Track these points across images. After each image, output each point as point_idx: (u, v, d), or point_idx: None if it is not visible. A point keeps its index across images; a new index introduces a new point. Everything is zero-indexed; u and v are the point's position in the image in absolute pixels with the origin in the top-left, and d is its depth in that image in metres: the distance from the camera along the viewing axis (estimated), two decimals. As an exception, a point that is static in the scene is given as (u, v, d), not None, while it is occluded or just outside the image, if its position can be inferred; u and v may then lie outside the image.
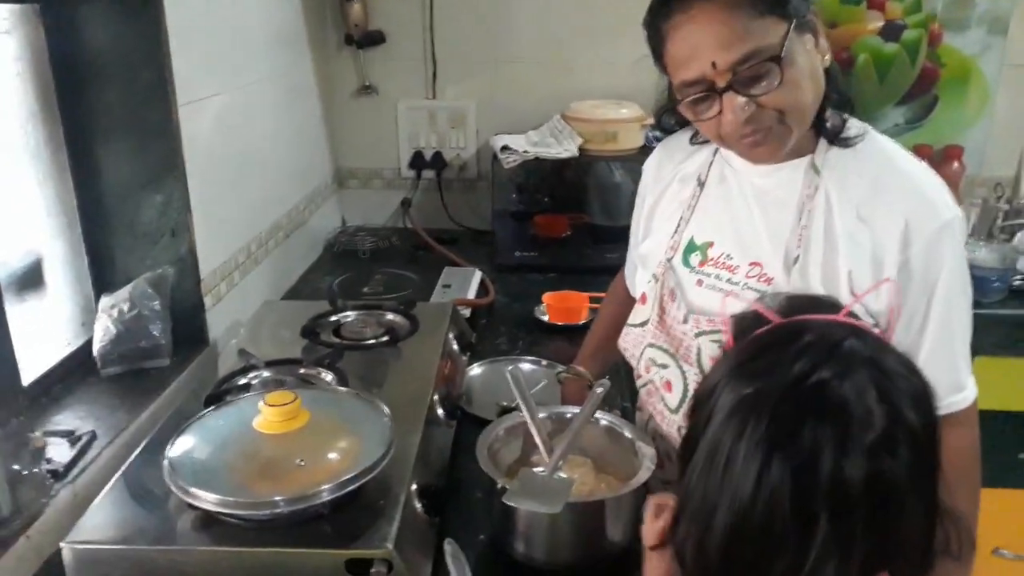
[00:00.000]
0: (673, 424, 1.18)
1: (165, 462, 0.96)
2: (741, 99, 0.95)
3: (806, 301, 0.86)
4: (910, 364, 0.75)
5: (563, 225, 2.24)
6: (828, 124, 1.05)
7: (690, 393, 1.14)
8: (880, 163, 1.04)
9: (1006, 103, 2.35)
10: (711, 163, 1.15)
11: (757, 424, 0.68)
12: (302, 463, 0.95)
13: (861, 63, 2.33)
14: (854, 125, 1.07)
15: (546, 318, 1.82)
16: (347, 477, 0.93)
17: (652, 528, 0.89)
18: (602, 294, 1.83)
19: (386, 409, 1.07)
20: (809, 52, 0.98)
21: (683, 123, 1.10)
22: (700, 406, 0.76)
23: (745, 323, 0.82)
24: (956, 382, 1.05)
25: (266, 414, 0.99)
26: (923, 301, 1.01)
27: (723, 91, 0.95)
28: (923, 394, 0.73)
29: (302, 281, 2.10)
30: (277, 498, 0.91)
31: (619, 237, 2.18)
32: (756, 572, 0.68)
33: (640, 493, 1.09)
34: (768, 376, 0.71)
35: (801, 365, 0.70)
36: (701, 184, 1.15)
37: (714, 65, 0.94)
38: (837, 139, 1.04)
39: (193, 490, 0.92)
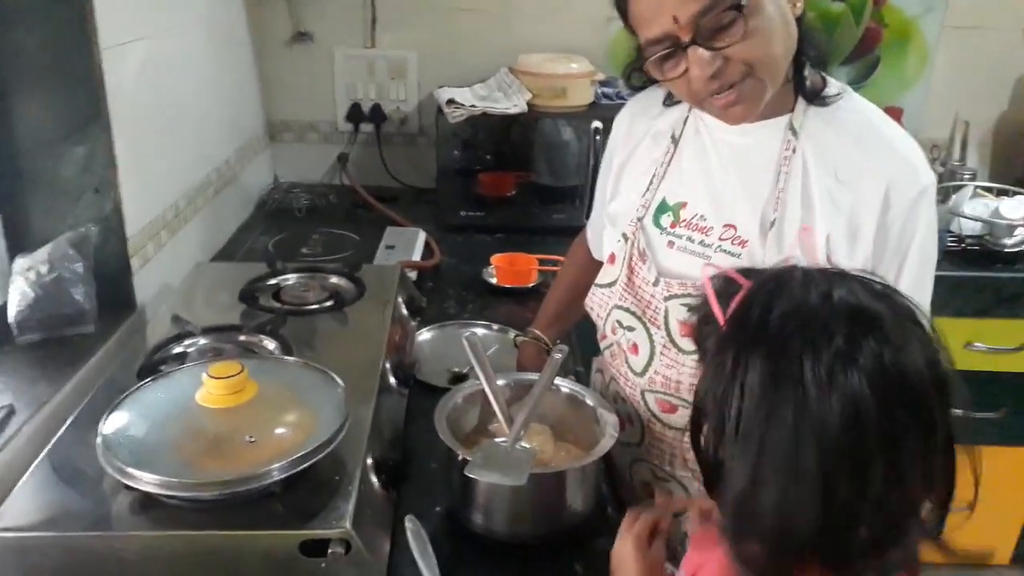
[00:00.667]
0: (636, 387, 1.16)
1: (98, 440, 0.89)
2: (706, 53, 0.91)
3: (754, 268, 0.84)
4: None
5: (509, 184, 2.17)
6: (808, 82, 1.02)
7: (656, 356, 1.12)
8: (861, 125, 1.02)
9: (944, 65, 2.38)
10: (686, 119, 1.11)
11: (814, 355, 0.66)
12: (252, 439, 0.89)
13: (808, 21, 2.32)
14: (834, 84, 1.04)
15: (494, 281, 1.78)
16: (301, 453, 0.87)
17: (631, 533, 0.91)
18: (552, 256, 1.81)
19: (339, 379, 1.01)
20: (778, 1, 0.93)
21: (653, 82, 1.06)
22: (717, 396, 0.72)
23: (722, 285, 0.79)
24: None
25: (210, 387, 0.91)
26: (895, 264, 1.01)
27: (687, 46, 0.92)
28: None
29: (234, 241, 1.99)
30: (226, 477, 0.85)
31: (566, 197, 2.16)
32: (854, 493, 0.66)
33: (602, 462, 1.07)
34: (781, 323, 0.69)
35: (813, 295, 0.70)
36: (675, 141, 1.11)
37: (676, 20, 0.90)
38: (816, 98, 1.01)
39: (131, 470, 0.84)
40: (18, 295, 1.28)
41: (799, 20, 0.98)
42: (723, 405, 0.70)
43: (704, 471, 0.77)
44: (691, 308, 0.83)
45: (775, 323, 0.69)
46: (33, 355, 1.27)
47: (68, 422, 1.02)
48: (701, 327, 0.81)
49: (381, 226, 2.02)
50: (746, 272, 0.78)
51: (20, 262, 1.31)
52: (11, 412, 1.12)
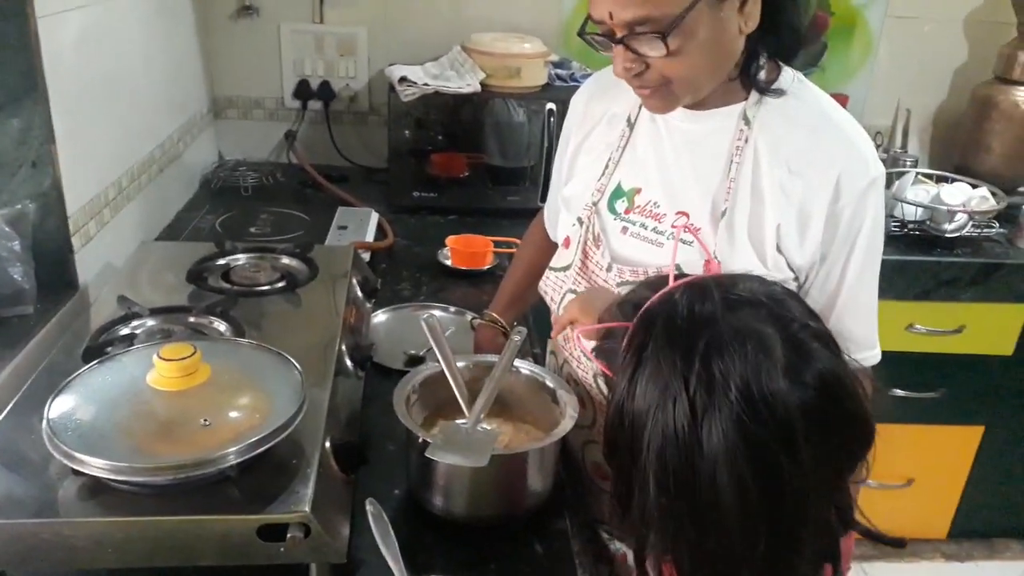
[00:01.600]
0: (588, 370, 1.16)
1: (44, 424, 0.85)
2: (629, 53, 0.94)
3: (655, 280, 0.84)
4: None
5: (461, 165, 2.15)
6: (762, 75, 1.02)
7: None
8: (814, 114, 1.02)
9: (887, 54, 2.43)
10: (641, 103, 1.11)
11: (680, 402, 0.65)
12: (207, 423, 0.86)
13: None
14: (787, 73, 1.05)
15: (449, 263, 1.76)
16: (258, 437, 0.85)
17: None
18: (507, 239, 1.80)
19: (294, 362, 0.98)
20: (723, 20, 0.93)
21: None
22: (614, 435, 0.72)
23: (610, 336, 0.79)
24: (869, 337, 1.08)
25: (161, 369, 0.88)
26: (843, 254, 1.02)
27: (616, 42, 0.95)
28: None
29: (178, 220, 1.93)
30: (180, 462, 0.82)
31: (519, 179, 2.15)
32: (740, 540, 0.65)
33: (559, 442, 1.07)
34: (658, 356, 0.68)
35: (683, 321, 0.69)
36: (631, 125, 1.11)
37: (611, 16, 0.93)
38: (768, 91, 1.02)
39: (80, 455, 0.81)
40: (-50, 274, 1.22)
41: (769, 26, 0.97)
42: (621, 440, 0.71)
43: (612, 487, 0.77)
44: (595, 350, 0.83)
45: (650, 366, 0.69)
46: (-32, 336, 1.21)
47: (9, 406, 0.98)
48: (605, 352, 0.81)
49: (331, 206, 1.98)
50: (651, 289, 0.78)
51: (-48, 239, 1.24)
52: (-55, 396, 1.07)
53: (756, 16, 0.95)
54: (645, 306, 0.74)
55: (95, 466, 0.81)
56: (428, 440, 0.97)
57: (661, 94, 0.99)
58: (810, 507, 0.66)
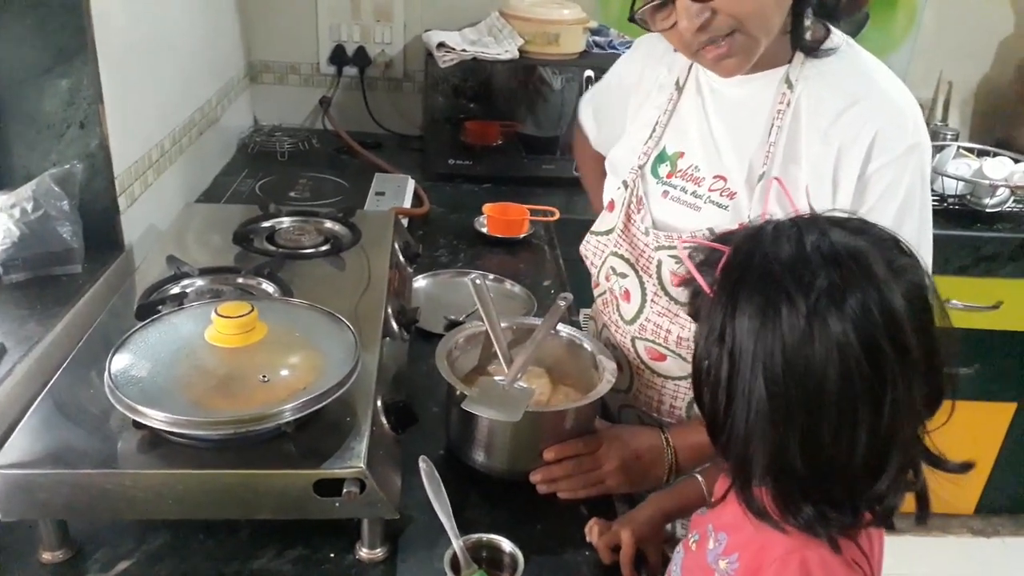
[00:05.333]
0: (627, 334, 1.17)
1: (107, 378, 0.86)
2: (693, 5, 0.90)
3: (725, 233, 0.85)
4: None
5: (495, 133, 2.14)
6: (808, 34, 1.00)
7: (648, 304, 1.13)
8: (858, 77, 1.00)
9: (931, 25, 2.39)
10: (691, 66, 1.10)
11: (791, 305, 0.67)
12: (265, 379, 0.87)
13: None
14: (836, 35, 1.03)
15: (486, 230, 1.76)
16: (316, 394, 0.86)
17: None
18: (542, 207, 1.80)
19: (347, 322, 0.99)
20: None
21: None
22: (712, 355, 0.73)
23: (704, 256, 0.79)
24: None
25: (220, 326, 0.89)
26: (883, 219, 0.99)
27: None
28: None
29: (217, 184, 1.95)
30: (239, 416, 0.84)
31: (551, 148, 2.14)
32: (843, 437, 0.67)
33: (597, 405, 1.08)
34: (763, 269, 0.70)
35: (786, 247, 0.70)
36: (679, 89, 1.10)
37: None
38: (814, 51, 1.00)
39: (143, 408, 0.83)
40: (2, 233, 1.24)
41: None
42: (718, 363, 0.72)
43: (708, 426, 0.78)
44: (683, 281, 0.83)
45: (754, 279, 0.70)
46: (20, 294, 1.24)
47: (68, 360, 0.99)
48: (694, 300, 0.81)
49: (366, 172, 1.98)
50: (723, 238, 0.78)
51: (3, 199, 1.26)
52: (3, 351, 1.09)
53: None
54: (736, 239, 0.75)
55: (157, 419, 0.83)
56: (466, 393, 0.99)
57: (738, 44, 0.93)
58: (904, 421, 0.68)
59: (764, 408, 0.68)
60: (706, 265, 0.77)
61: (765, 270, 0.69)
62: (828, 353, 0.66)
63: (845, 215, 0.75)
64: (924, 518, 0.75)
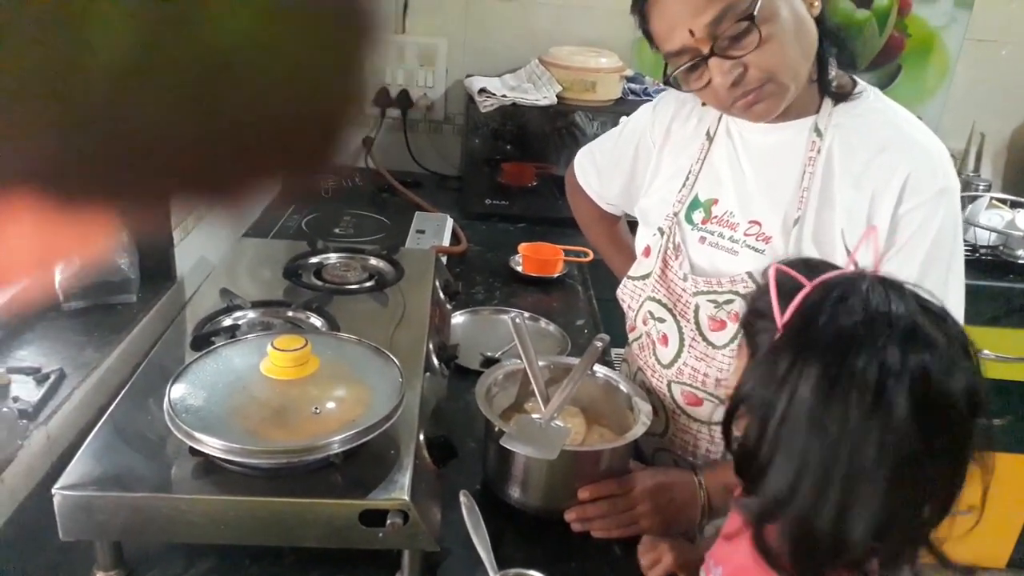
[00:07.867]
0: (663, 379, 1.19)
1: (166, 405, 0.91)
2: (725, 62, 0.94)
3: (816, 263, 0.86)
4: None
5: (530, 174, 2.20)
6: (834, 83, 1.04)
7: (685, 348, 1.15)
8: (888, 129, 1.03)
9: (964, 77, 2.42)
10: (720, 116, 1.14)
11: (866, 375, 0.68)
12: (317, 411, 0.91)
13: (829, 21, 2.35)
14: (862, 86, 1.07)
15: (521, 269, 1.80)
16: (364, 427, 0.90)
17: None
18: (576, 248, 1.84)
19: (393, 358, 1.03)
20: (792, 3, 0.96)
21: None
22: (765, 396, 0.74)
23: (782, 281, 0.81)
24: None
25: (275, 359, 0.94)
26: (913, 261, 0.99)
27: (707, 57, 0.95)
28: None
29: (264, 219, 2.01)
30: (291, 447, 0.87)
31: (586, 191, 2.18)
32: (876, 517, 0.70)
33: (632, 447, 1.10)
34: (845, 332, 0.71)
35: (876, 311, 0.71)
36: (710, 139, 1.14)
37: (692, 33, 0.94)
38: (843, 99, 1.04)
39: (200, 435, 0.87)
40: (64, 261, 1.30)
41: (819, 20, 1.00)
42: (770, 406, 0.73)
43: (736, 458, 0.80)
44: (751, 298, 0.85)
45: (834, 335, 0.71)
46: (79, 321, 1.29)
47: (126, 388, 1.04)
48: (754, 319, 0.83)
49: (406, 210, 2.04)
50: (808, 270, 0.78)
51: (67, 230, 1.32)
52: (62, 376, 1.15)
53: (818, 2, 0.99)
54: (800, 296, 0.76)
55: (213, 447, 0.87)
56: (504, 430, 1.02)
57: (768, 92, 0.97)
58: (935, 518, 0.72)
59: (812, 472, 0.70)
60: (782, 292, 0.77)
61: (848, 333, 0.70)
62: (887, 438, 0.67)
63: (926, 295, 0.76)
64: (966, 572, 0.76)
